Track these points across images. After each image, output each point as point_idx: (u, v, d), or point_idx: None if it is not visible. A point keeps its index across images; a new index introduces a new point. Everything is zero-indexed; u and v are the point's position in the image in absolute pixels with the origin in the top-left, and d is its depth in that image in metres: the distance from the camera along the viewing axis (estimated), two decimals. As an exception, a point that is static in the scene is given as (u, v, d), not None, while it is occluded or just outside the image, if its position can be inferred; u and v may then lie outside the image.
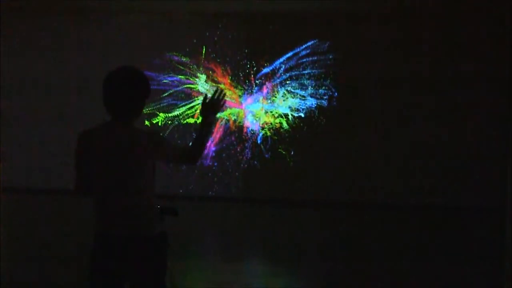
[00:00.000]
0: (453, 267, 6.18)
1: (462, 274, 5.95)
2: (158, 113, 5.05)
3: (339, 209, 9.23)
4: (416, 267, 6.17)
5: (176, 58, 5.24)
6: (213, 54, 5.39)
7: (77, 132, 3.16)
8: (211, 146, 4.85)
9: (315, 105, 5.20)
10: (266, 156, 5.62)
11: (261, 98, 5.13)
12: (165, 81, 5.12)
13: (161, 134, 3.23)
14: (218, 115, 4.27)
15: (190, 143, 3.28)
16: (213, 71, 5.20)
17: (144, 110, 3.25)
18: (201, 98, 4.82)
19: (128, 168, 3.05)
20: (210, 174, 8.13)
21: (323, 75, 5.39)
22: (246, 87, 5.21)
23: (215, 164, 5.43)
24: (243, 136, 5.18)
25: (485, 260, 6.30)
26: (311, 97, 5.20)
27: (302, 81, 5.26)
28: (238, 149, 5.76)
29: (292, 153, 6.25)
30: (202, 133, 3.31)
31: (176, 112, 5.07)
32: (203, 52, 5.26)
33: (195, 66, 5.15)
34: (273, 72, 5.28)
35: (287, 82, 5.24)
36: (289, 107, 5.12)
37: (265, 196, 9.56)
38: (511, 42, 6.80)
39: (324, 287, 5.70)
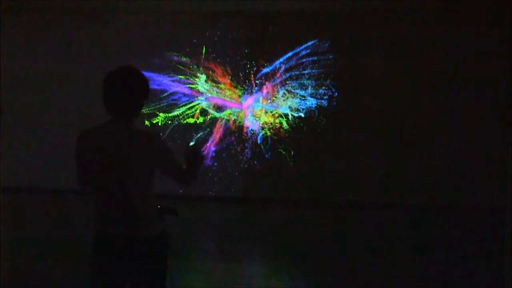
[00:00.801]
0: (453, 267, 6.18)
1: (462, 274, 5.95)
2: (158, 113, 5.04)
3: (339, 209, 9.22)
4: (416, 267, 6.17)
5: (176, 58, 5.24)
6: (213, 54, 5.39)
7: (77, 132, 3.16)
8: (211, 146, 4.84)
9: (315, 105, 5.20)
10: (266, 156, 5.62)
11: (261, 98, 5.13)
12: (165, 81, 5.12)
13: (162, 136, 3.22)
14: (218, 115, 4.26)
15: (184, 167, 3.26)
16: (213, 71, 5.19)
17: (144, 110, 3.25)
18: (201, 98, 4.82)
19: (128, 167, 3.05)
20: (210, 174, 8.13)
21: (323, 75, 5.39)
22: (246, 87, 5.20)
23: (215, 164, 5.43)
24: (243, 136, 5.18)
25: (485, 260, 6.29)
26: (311, 97, 5.19)
27: (302, 81, 5.26)
28: (238, 149, 5.75)
29: (292, 153, 6.26)
30: (192, 169, 3.27)
31: (176, 112, 5.06)
32: (203, 52, 5.26)
33: (195, 66, 5.14)
34: (273, 72, 5.27)
35: (287, 82, 5.24)
36: (289, 107, 5.11)
37: (265, 196, 9.56)
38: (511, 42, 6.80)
39: (325, 287, 5.70)
